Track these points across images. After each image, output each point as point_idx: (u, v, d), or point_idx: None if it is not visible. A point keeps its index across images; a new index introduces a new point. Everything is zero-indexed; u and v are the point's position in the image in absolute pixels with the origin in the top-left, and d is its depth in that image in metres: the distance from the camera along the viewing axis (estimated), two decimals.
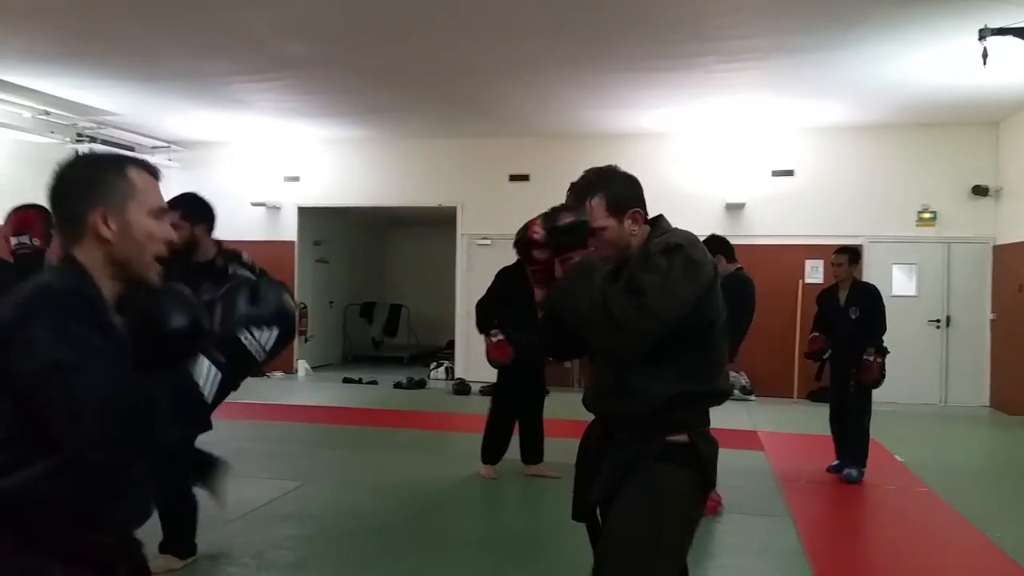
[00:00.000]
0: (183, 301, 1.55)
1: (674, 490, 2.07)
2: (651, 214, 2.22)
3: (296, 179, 11.63)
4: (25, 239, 3.66)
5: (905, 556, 4.37)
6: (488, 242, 10.72)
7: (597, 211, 2.11)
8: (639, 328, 1.94)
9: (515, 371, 5.50)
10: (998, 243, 9.53)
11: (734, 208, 10.16)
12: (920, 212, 9.79)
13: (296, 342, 11.67)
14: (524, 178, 10.69)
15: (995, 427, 8.74)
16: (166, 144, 11.29)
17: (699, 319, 2.05)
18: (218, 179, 10.73)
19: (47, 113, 9.23)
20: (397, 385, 10.55)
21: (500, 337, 5.40)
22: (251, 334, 1.48)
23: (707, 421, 2.19)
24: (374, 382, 10.82)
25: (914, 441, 7.42)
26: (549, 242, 2.05)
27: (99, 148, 10.00)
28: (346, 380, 10.99)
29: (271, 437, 7.08)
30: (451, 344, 11.75)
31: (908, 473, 6.13)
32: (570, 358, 6.84)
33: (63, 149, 10.02)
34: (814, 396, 9.00)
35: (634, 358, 2.02)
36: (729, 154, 10.23)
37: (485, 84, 8.30)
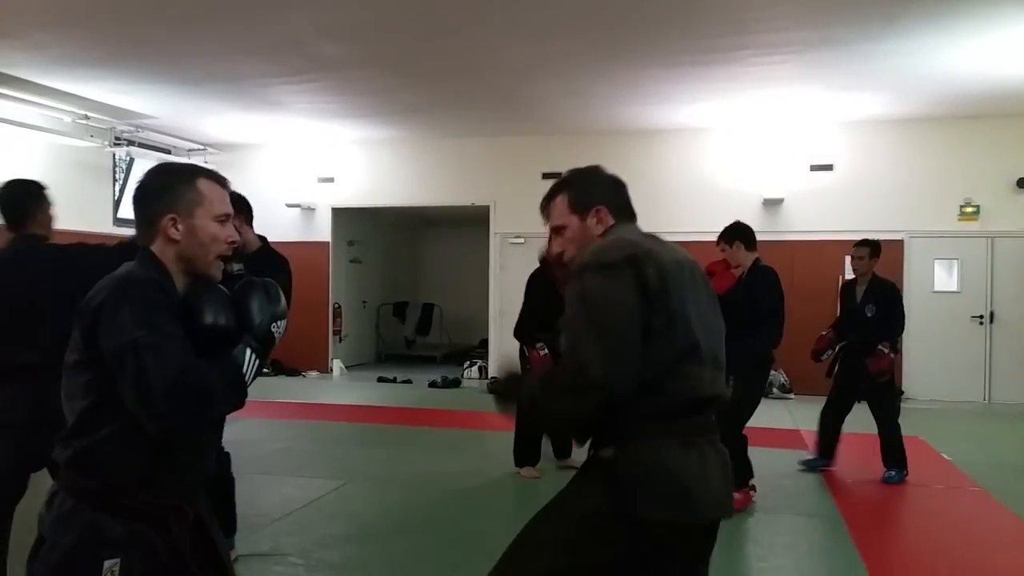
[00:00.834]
0: (219, 302, 1.75)
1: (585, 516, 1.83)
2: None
3: (330, 180, 11.70)
4: None
5: (965, 559, 4.21)
6: (521, 240, 10.69)
7: (559, 210, 2.12)
8: (600, 381, 1.72)
9: None
10: None
11: (772, 204, 10.02)
12: (962, 206, 9.59)
13: (331, 341, 11.76)
14: (557, 176, 10.52)
15: None
16: (202, 146, 11.40)
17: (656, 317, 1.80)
18: (254, 181, 10.78)
19: (86, 117, 9.33)
20: (432, 384, 10.56)
21: (546, 351, 5.39)
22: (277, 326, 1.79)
23: (670, 429, 1.81)
24: (408, 381, 10.84)
25: (960, 439, 7.26)
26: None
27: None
28: (380, 379, 11.02)
29: (311, 436, 7.13)
30: (484, 343, 11.75)
31: (957, 471, 6.00)
32: None
33: (102, 153, 10.17)
34: None
35: (631, 389, 1.76)
36: (767, 149, 10.10)
37: (519, 82, 8.26)
